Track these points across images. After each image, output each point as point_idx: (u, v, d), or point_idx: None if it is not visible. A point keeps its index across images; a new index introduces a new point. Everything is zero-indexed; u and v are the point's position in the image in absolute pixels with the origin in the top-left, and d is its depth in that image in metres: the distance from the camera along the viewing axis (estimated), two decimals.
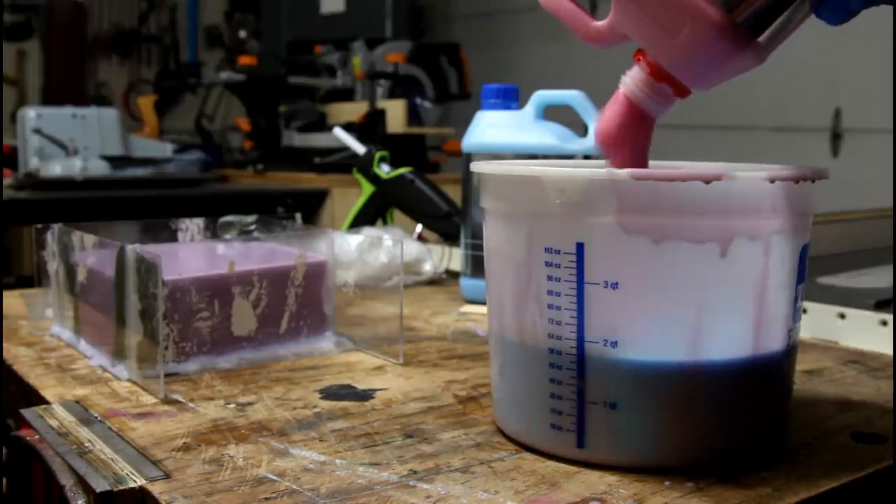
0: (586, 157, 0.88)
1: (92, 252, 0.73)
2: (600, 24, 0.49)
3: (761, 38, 0.48)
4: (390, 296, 0.80)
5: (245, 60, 2.78)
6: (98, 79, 3.97)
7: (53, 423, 0.56)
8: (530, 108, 0.91)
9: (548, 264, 0.49)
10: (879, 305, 0.83)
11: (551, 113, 0.91)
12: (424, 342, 0.79)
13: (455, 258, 1.13)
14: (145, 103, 2.88)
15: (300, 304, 0.74)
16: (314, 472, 0.48)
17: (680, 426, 0.49)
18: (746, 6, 0.46)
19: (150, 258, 0.62)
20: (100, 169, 2.12)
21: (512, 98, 0.92)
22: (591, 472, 0.49)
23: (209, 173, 2.37)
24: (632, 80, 0.50)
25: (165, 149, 2.36)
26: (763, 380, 0.50)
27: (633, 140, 0.51)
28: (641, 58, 0.49)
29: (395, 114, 2.61)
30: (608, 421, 0.49)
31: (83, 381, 0.65)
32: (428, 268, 1.07)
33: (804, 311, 0.81)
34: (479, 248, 0.91)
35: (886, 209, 1.54)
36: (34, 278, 0.83)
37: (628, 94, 0.50)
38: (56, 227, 0.78)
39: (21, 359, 0.71)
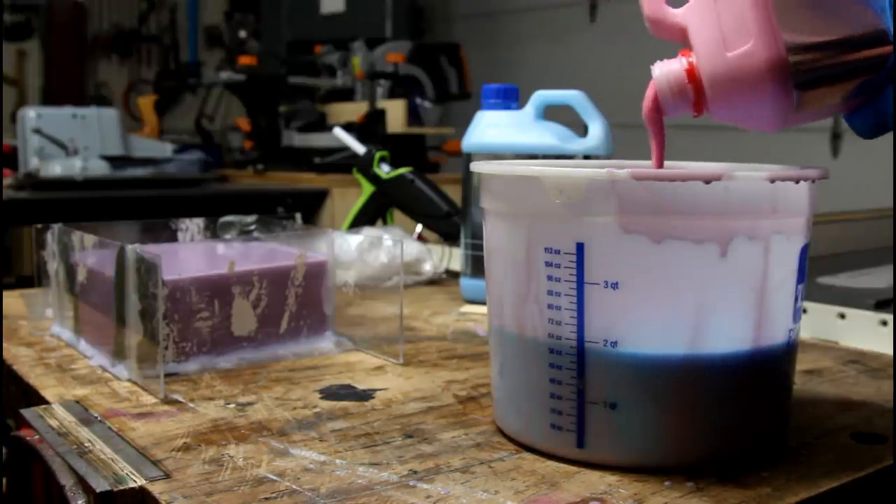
0: (586, 157, 0.88)
1: (92, 252, 0.73)
2: (675, 11, 0.49)
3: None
4: (390, 296, 0.80)
5: (245, 60, 2.78)
6: (98, 79, 3.97)
7: (53, 423, 0.56)
8: (530, 108, 0.91)
9: (548, 264, 0.49)
10: (879, 305, 0.83)
11: (551, 113, 0.91)
12: (424, 342, 0.79)
13: (455, 258, 1.13)
14: (145, 103, 2.88)
15: (300, 304, 0.74)
16: (314, 472, 0.48)
17: (680, 426, 0.49)
18: (809, 61, 0.46)
19: (150, 258, 0.62)
20: (100, 169, 2.12)
21: (512, 98, 0.92)
22: (591, 472, 0.49)
23: (209, 173, 2.37)
24: (665, 68, 0.49)
25: (165, 149, 2.36)
26: (763, 380, 0.50)
27: (657, 124, 0.52)
28: (685, 55, 0.49)
29: (395, 114, 2.61)
30: (608, 421, 0.49)
31: (83, 381, 0.65)
32: (428, 268, 1.07)
33: (804, 311, 0.81)
34: (479, 248, 0.91)
35: (886, 209, 1.54)
36: (34, 278, 0.83)
37: (654, 81, 0.50)
38: (56, 227, 0.78)
39: (21, 359, 0.71)
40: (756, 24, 0.45)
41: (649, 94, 0.51)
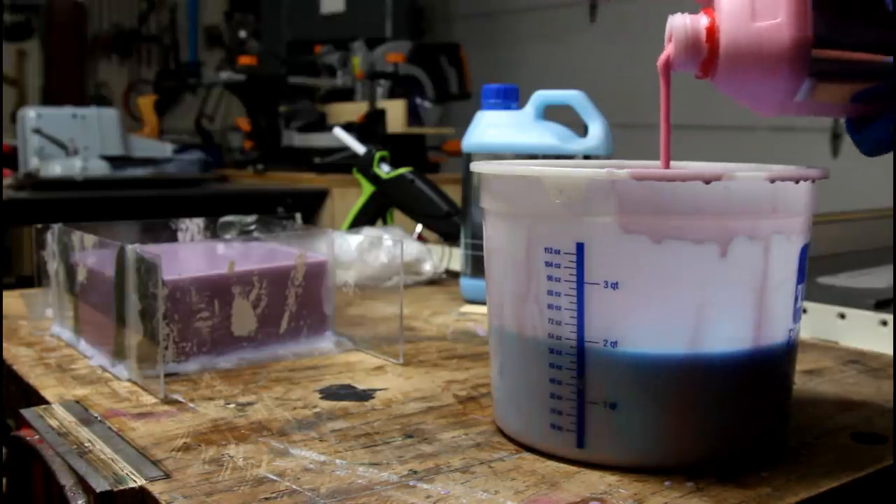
0: (586, 157, 0.88)
1: (92, 252, 0.73)
2: None
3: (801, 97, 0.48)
4: (390, 296, 0.80)
5: (245, 60, 2.78)
6: (98, 79, 3.97)
7: (53, 423, 0.56)
8: (530, 108, 0.91)
9: (548, 264, 0.49)
10: (879, 305, 0.83)
11: (551, 113, 0.91)
12: (424, 342, 0.79)
13: (455, 258, 1.13)
14: (145, 103, 2.88)
15: (300, 304, 0.74)
16: (314, 472, 0.48)
17: (680, 426, 0.49)
18: (831, 50, 0.46)
19: (150, 258, 0.62)
20: (100, 169, 2.12)
21: (512, 98, 0.92)
22: (591, 472, 0.49)
23: (209, 173, 2.36)
24: (686, 19, 0.48)
25: (165, 149, 2.36)
26: (763, 380, 0.50)
27: (668, 77, 0.51)
28: (708, 14, 0.48)
29: (395, 114, 2.61)
30: (608, 421, 0.49)
31: (83, 381, 0.65)
32: (428, 268, 1.07)
33: (804, 311, 0.81)
34: (479, 248, 0.91)
35: (886, 209, 1.54)
36: (34, 278, 0.83)
37: (672, 28, 0.49)
38: (56, 227, 0.78)
39: (21, 359, 0.71)
40: (790, 1, 0.45)
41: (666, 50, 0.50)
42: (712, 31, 0.48)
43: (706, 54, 0.48)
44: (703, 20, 0.48)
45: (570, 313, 0.48)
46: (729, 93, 0.49)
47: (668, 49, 0.49)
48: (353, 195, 1.55)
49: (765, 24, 0.46)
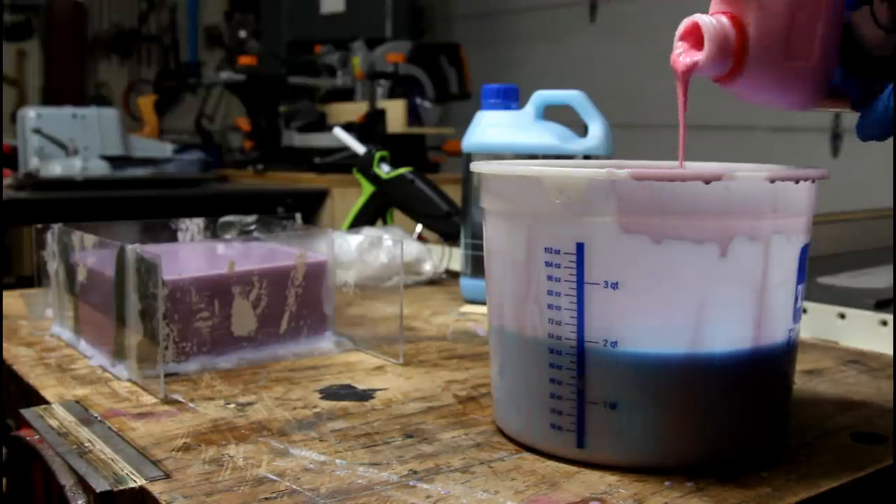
0: (586, 157, 0.88)
1: (92, 252, 0.73)
2: None
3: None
4: (390, 296, 0.80)
5: (245, 60, 2.78)
6: (98, 79, 3.97)
7: (53, 423, 0.56)
8: (530, 108, 0.91)
9: (548, 264, 0.49)
10: (879, 305, 0.83)
11: (551, 113, 0.91)
12: (424, 342, 0.79)
13: (455, 258, 1.13)
14: (145, 103, 2.88)
15: (300, 304, 0.74)
16: (314, 472, 0.48)
17: (680, 426, 0.49)
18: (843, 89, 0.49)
19: (150, 258, 0.62)
20: (100, 169, 2.12)
21: (512, 98, 0.92)
22: (591, 472, 0.49)
23: (209, 173, 2.36)
24: (717, 30, 0.48)
25: (165, 149, 2.36)
26: (763, 379, 0.50)
27: (686, 83, 0.51)
28: (734, 24, 0.48)
29: (395, 114, 2.61)
30: (608, 421, 0.49)
31: (83, 381, 0.65)
32: (428, 268, 1.07)
33: (804, 311, 0.81)
34: (479, 248, 0.91)
35: (886, 209, 1.54)
36: (34, 278, 0.83)
37: (687, 30, 0.49)
38: (56, 227, 0.78)
39: (21, 359, 0.71)
40: (821, 46, 0.47)
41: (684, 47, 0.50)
42: (740, 53, 0.48)
43: (729, 68, 0.48)
44: (732, 34, 0.47)
45: (570, 313, 0.48)
46: (734, 96, 0.50)
47: (693, 55, 0.49)
48: (353, 195, 1.55)
49: (795, 66, 0.47)
